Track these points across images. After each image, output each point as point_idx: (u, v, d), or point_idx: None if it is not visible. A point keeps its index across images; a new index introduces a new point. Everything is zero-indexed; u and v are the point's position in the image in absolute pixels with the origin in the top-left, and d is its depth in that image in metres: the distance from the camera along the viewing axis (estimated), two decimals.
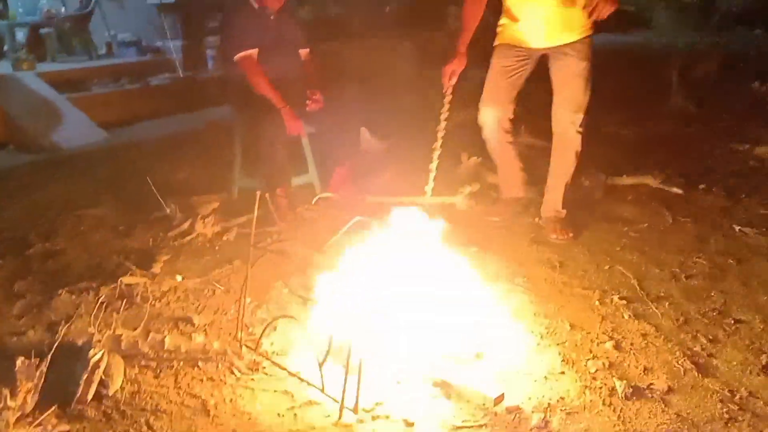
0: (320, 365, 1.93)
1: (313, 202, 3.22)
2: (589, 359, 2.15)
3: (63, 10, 8.63)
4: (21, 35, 8.03)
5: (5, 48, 8.03)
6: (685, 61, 7.94)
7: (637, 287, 2.65)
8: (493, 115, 3.14)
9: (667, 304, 2.52)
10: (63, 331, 2.32)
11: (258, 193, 2.23)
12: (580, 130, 3.09)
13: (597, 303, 2.53)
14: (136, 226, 3.50)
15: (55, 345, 1.99)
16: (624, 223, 3.31)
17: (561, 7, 2.93)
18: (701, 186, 3.79)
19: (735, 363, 2.13)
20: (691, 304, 2.51)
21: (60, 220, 3.64)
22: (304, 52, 3.75)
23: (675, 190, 3.71)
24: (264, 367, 2.14)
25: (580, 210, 3.36)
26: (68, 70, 7.21)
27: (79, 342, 2.14)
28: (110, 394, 1.97)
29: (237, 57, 3.43)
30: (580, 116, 3.08)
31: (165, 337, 2.16)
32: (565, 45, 3.00)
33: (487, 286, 2.64)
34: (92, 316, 2.39)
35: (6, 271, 3.01)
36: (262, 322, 2.38)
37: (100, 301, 2.54)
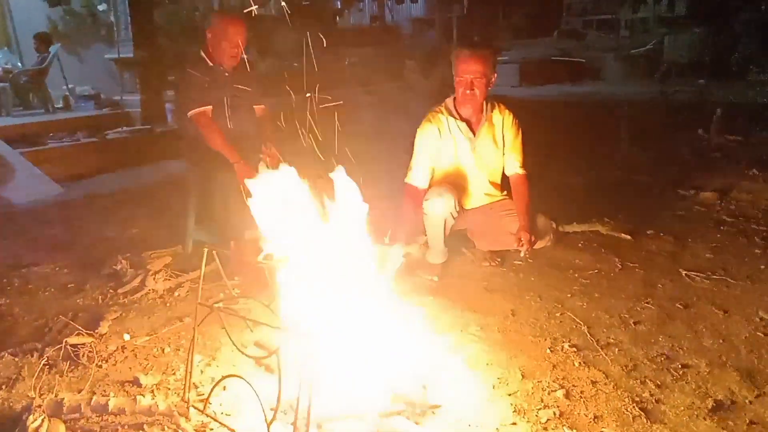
0: (268, 426, 1.89)
1: (259, 259, 3.20)
2: (540, 409, 2.16)
3: (20, 65, 8.62)
4: None
5: None
6: (633, 110, 8.28)
7: (587, 334, 2.68)
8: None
9: (616, 350, 2.55)
10: (2, 395, 2.24)
11: (205, 249, 2.22)
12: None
13: (548, 351, 2.55)
14: (86, 283, 3.43)
15: None
16: (574, 270, 3.37)
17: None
18: (649, 231, 3.90)
19: (682, 408, 2.16)
20: (639, 350, 2.55)
21: (7, 278, 3.54)
22: (259, 108, 3.78)
23: (624, 236, 3.81)
24: (212, 429, 2.09)
25: (532, 257, 3.41)
26: (23, 125, 7.15)
27: (18, 407, 2.06)
28: None
29: (191, 113, 3.45)
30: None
31: (109, 399, 2.09)
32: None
33: (442, 336, 2.66)
34: (34, 378, 2.31)
35: None
36: (212, 381, 2.34)
37: (43, 363, 2.46)
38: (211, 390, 2.19)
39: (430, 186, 3.26)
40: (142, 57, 7.32)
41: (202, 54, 3.54)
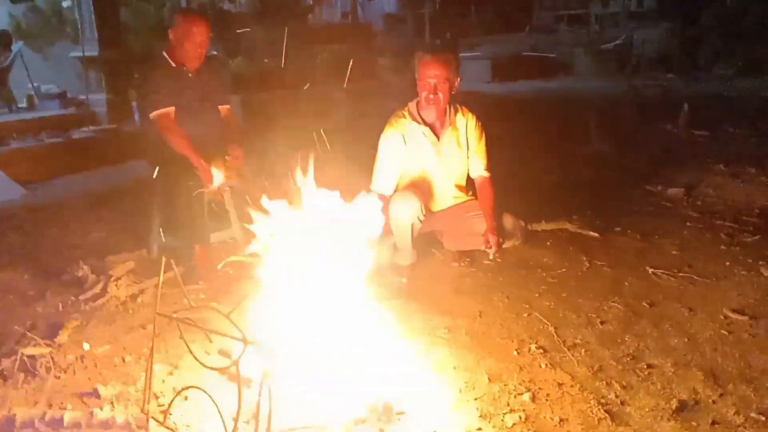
0: None
1: (219, 267, 3.15)
2: (506, 413, 2.14)
3: None
4: None
5: None
6: (602, 105, 8.35)
7: (554, 335, 2.68)
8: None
9: (583, 351, 2.55)
10: None
11: (163, 258, 2.16)
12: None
13: (515, 353, 2.55)
14: (47, 290, 3.33)
15: None
16: (543, 269, 3.37)
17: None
18: (617, 229, 3.93)
19: (647, 410, 2.16)
20: (605, 350, 2.55)
21: None
22: (224, 108, 3.72)
23: (592, 233, 3.83)
24: None
25: (500, 257, 3.41)
26: None
27: None
28: None
29: (153, 115, 3.37)
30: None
31: (64, 414, 2.03)
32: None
33: (410, 341, 2.64)
34: None
35: None
36: (174, 391, 2.29)
37: None
38: (171, 401, 2.14)
39: (395, 190, 3.24)
40: (108, 55, 7.16)
41: (165, 54, 3.47)
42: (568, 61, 13.09)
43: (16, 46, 8.27)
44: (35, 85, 8.68)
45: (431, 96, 3.10)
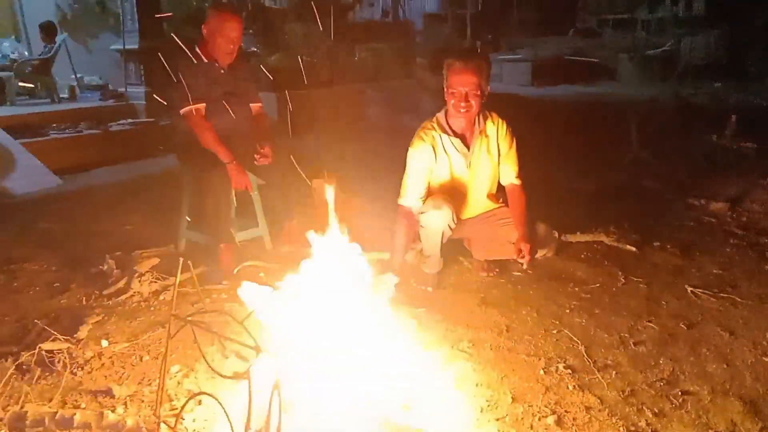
0: None
1: (235, 272, 3.11)
2: None
3: (26, 54, 8.56)
4: None
5: None
6: (645, 112, 8.09)
7: (585, 354, 2.55)
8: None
9: (613, 373, 2.43)
10: None
11: (181, 260, 2.11)
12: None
13: (542, 372, 2.43)
14: (72, 282, 3.35)
15: None
16: (575, 283, 3.24)
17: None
18: (656, 243, 3.76)
19: None
20: (638, 373, 2.42)
21: None
22: (255, 106, 3.68)
23: (629, 247, 3.67)
24: None
25: (530, 268, 3.29)
26: (27, 115, 7.08)
27: None
28: None
29: (183, 111, 3.35)
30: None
31: (75, 414, 2.00)
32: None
33: (431, 352, 2.55)
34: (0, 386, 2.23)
35: None
36: (189, 394, 2.25)
37: (14, 369, 2.37)
38: (183, 406, 2.08)
39: (425, 198, 3.15)
40: (147, 48, 7.22)
41: (198, 49, 3.44)
42: (612, 66, 12.76)
43: (60, 37, 8.42)
44: (79, 76, 8.86)
45: (462, 104, 2.98)
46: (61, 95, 8.24)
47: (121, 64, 8.07)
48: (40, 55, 8.38)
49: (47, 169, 5.84)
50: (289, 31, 9.26)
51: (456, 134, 3.13)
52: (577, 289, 3.18)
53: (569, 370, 2.43)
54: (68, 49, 8.72)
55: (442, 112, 3.14)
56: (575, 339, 2.67)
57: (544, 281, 3.26)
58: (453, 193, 3.17)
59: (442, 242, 3.12)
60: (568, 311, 2.95)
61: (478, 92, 2.96)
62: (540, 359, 2.52)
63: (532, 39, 14.04)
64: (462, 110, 3.00)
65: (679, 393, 2.29)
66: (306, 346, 2.03)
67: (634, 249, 3.66)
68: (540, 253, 3.24)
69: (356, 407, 2.04)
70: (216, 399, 1.97)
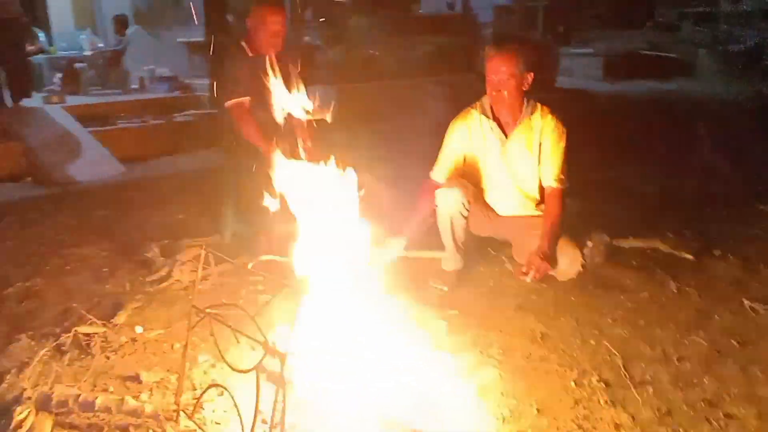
0: None
1: (249, 267, 3.11)
2: None
3: (101, 45, 8.93)
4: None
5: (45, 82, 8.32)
6: (722, 111, 7.64)
7: (622, 368, 2.41)
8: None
9: (651, 389, 2.28)
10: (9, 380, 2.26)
11: (202, 252, 2.13)
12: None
13: (573, 384, 2.31)
14: (120, 268, 3.45)
15: None
16: (622, 292, 3.07)
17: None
18: (716, 252, 3.52)
19: None
20: (678, 392, 2.27)
21: (47, 258, 3.61)
22: None
23: (686, 255, 3.45)
24: None
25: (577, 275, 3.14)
26: (97, 104, 7.39)
27: (9, 397, 2.06)
28: None
29: (228, 104, 3.40)
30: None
31: (97, 397, 2.05)
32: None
33: (457, 357, 2.47)
34: (32, 367, 2.31)
35: None
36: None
37: (49, 350, 2.46)
38: (200, 396, 2.12)
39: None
40: (210, 41, 7.38)
41: (243, 43, 3.47)
42: (690, 61, 12.14)
43: (131, 29, 8.74)
44: (150, 67, 9.16)
45: (494, 93, 2.92)
46: (132, 86, 8.55)
47: (189, 56, 8.30)
48: (112, 46, 8.72)
49: (113, 157, 6.08)
50: (351, 25, 9.30)
51: (496, 119, 3.04)
52: (622, 297, 3.02)
53: (603, 384, 2.31)
54: (140, 41, 9.06)
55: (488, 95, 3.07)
56: (613, 351, 2.53)
57: (589, 288, 3.11)
58: (487, 182, 3.10)
59: (455, 232, 3.03)
60: (609, 321, 2.80)
61: (512, 80, 2.87)
62: (573, 370, 2.40)
63: (605, 32, 13.55)
64: (495, 98, 2.96)
65: (722, 415, 2.13)
66: (318, 347, 2.00)
67: (691, 257, 3.44)
68: (561, 275, 3.00)
69: (371, 413, 1.99)
70: (228, 390, 1.99)
